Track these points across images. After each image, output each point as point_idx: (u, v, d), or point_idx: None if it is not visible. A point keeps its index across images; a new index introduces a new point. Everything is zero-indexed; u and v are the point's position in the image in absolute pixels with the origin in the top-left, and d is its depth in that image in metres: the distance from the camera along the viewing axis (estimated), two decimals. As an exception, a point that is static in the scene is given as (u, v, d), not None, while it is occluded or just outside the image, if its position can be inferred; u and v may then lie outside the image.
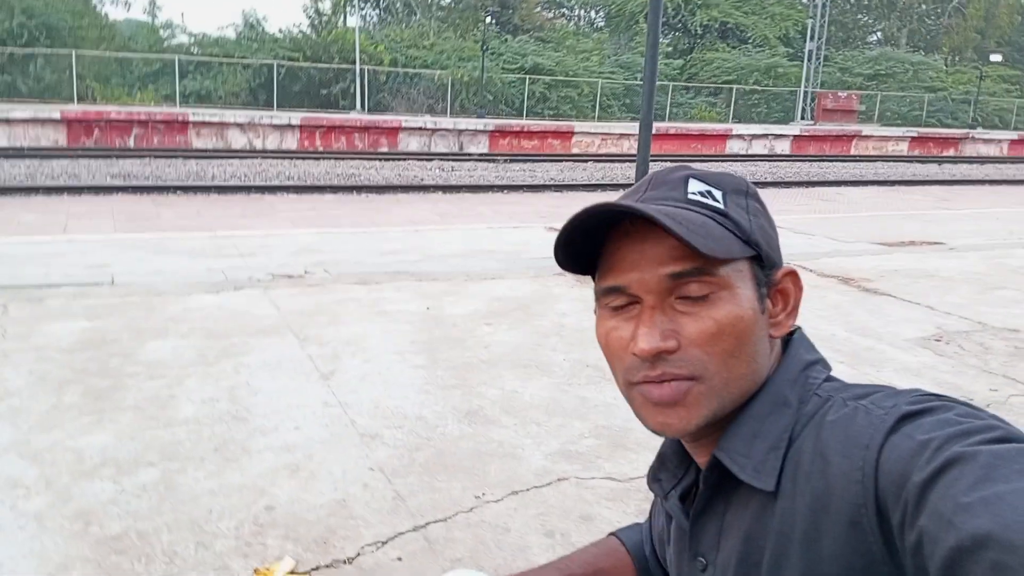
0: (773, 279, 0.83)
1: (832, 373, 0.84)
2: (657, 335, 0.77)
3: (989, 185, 17.99)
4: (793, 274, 0.86)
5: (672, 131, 23.80)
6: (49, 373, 3.68)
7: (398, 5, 39.35)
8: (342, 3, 31.82)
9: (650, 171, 0.85)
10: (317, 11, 30.47)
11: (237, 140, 18.43)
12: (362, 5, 32.66)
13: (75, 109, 17.81)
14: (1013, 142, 30.04)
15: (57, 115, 16.71)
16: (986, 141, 29.57)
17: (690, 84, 33.14)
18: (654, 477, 0.98)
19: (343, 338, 4.40)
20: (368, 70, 24.25)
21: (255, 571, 2.36)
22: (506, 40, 30.00)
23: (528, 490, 2.94)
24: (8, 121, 16.17)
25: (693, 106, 31.96)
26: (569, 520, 2.75)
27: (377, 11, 40.43)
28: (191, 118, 18.11)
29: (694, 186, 0.81)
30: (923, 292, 5.97)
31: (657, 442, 3.04)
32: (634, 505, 2.86)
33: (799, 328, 0.87)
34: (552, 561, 1.18)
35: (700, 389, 0.77)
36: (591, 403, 3.70)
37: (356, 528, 2.64)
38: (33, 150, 14.80)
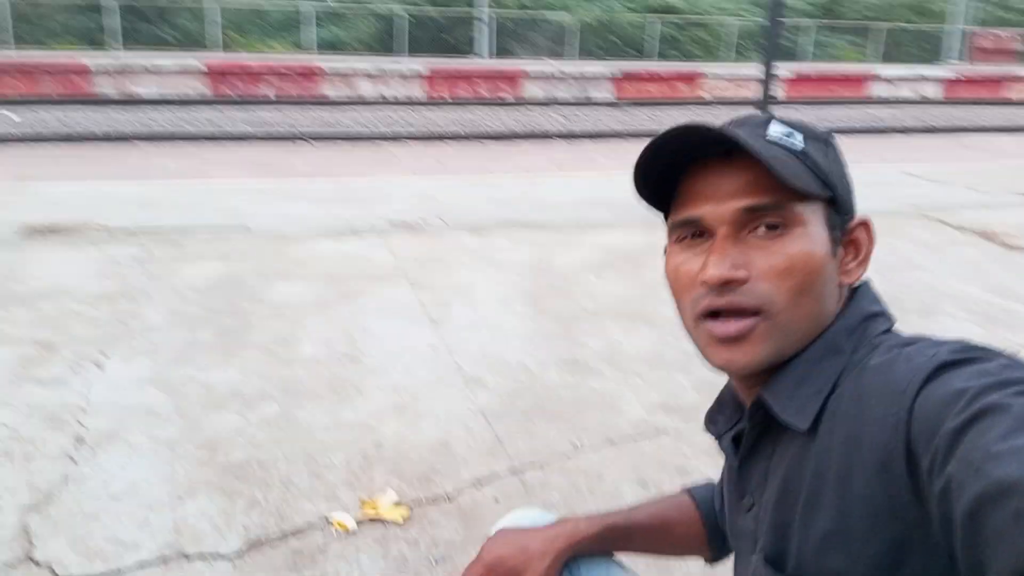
0: (847, 226, 0.84)
1: (897, 326, 0.83)
2: (728, 263, 0.78)
3: None
4: (866, 224, 0.86)
5: (811, 73, 22.54)
6: (185, 312, 4.00)
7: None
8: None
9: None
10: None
11: (366, 89, 18.89)
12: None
13: (217, 59, 18.76)
14: None
15: (201, 65, 17.65)
16: None
17: (833, 22, 31.14)
18: (711, 419, 1.01)
19: (453, 285, 4.53)
20: (491, 14, 24.19)
21: (361, 501, 2.53)
22: (634, -21, 29.16)
23: (625, 440, 2.98)
24: (158, 73, 17.25)
25: (835, 46, 30.07)
26: (664, 472, 2.78)
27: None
28: (324, 67, 18.71)
29: (775, 128, 0.81)
30: (1075, 250, 5.50)
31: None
32: (731, 461, 2.85)
33: (868, 281, 0.87)
34: (622, 508, 1.22)
35: (765, 325, 0.79)
36: (695, 357, 3.67)
37: (456, 467, 2.77)
38: (179, 100, 15.74)
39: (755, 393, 0.85)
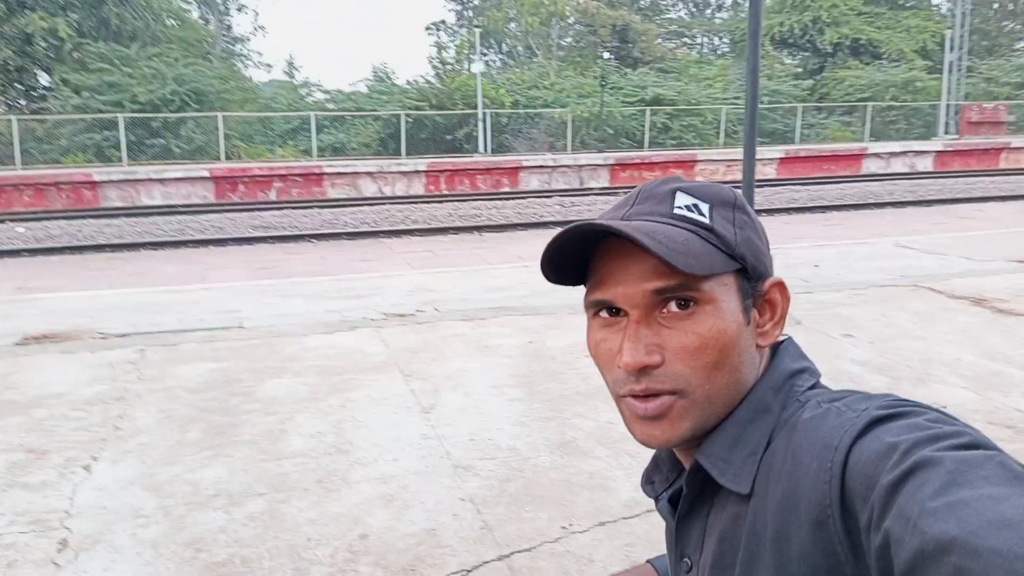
0: (760, 290, 0.84)
1: (821, 380, 0.84)
2: (642, 349, 0.78)
3: None
4: (780, 284, 0.86)
5: (802, 153, 23.00)
6: (176, 412, 4.00)
7: (519, 48, 40.38)
8: (466, 52, 33.01)
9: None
10: (442, 61, 31.76)
11: (368, 188, 19.36)
12: (485, 52, 33.75)
13: (222, 166, 19.31)
14: None
15: (205, 173, 18.16)
16: None
17: (822, 104, 31.93)
18: (648, 479, 1.00)
19: (445, 373, 4.53)
20: (490, 113, 24.95)
21: (343, 596, 2.47)
22: (625, 74, 30.06)
23: (616, 521, 2.93)
24: (162, 180, 17.75)
25: (826, 126, 30.74)
26: (655, 551, 2.71)
27: (501, 56, 41.64)
28: (325, 169, 19.22)
29: (681, 199, 0.82)
30: (1068, 311, 5.48)
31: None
32: (724, 538, 2.79)
33: (789, 337, 0.88)
34: None
35: (683, 403, 0.79)
36: (688, 434, 3.64)
37: (443, 557, 2.71)
38: (184, 207, 16.12)
39: (691, 454, 0.85)
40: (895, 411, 0.67)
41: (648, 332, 0.79)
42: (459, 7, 41.81)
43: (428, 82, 28.90)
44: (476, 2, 40.93)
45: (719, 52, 42.93)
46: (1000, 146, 25.14)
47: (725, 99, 29.09)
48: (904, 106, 31.41)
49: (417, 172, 19.95)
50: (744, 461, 0.77)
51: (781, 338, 0.87)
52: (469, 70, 31.02)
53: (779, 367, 0.83)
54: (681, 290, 0.78)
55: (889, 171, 22.94)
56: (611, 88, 27.12)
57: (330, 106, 26.63)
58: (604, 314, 0.84)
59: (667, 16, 45.29)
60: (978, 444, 0.61)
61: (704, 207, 0.82)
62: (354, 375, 4.52)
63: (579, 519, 2.94)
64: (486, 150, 24.40)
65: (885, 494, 0.59)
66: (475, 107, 24.63)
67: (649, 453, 0.95)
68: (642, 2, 43.27)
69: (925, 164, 24.04)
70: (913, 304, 5.75)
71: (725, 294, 0.80)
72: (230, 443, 3.62)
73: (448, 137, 25.36)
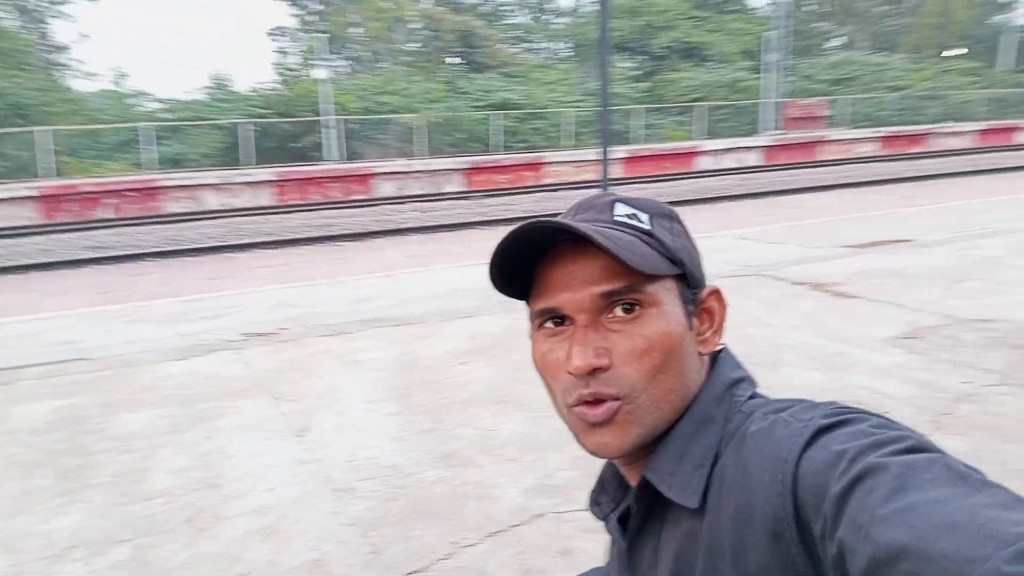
0: (699, 297, 0.86)
1: (758, 390, 0.86)
2: (591, 352, 0.78)
3: (958, 177, 18.17)
4: (717, 292, 0.89)
5: (643, 153, 24.01)
6: (18, 457, 3.64)
7: (365, 53, 39.81)
8: (311, 57, 32.12)
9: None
10: (285, 67, 30.77)
11: (211, 201, 18.46)
12: (328, 58, 33.00)
13: (49, 184, 17.80)
14: (980, 132, 30.44)
15: (31, 192, 16.71)
16: (954, 134, 29.93)
17: (658, 105, 33.51)
18: (595, 501, 1.00)
19: (317, 392, 4.38)
20: (339, 120, 24.44)
21: (228, 641, 2.33)
22: (472, 78, 30.33)
23: (505, 530, 2.92)
24: (-19, 203, 16.18)
25: (663, 126, 32.28)
26: (547, 556, 2.73)
27: (348, 62, 40.87)
28: (164, 183, 18.16)
29: (620, 209, 0.84)
30: (893, 291, 6.02)
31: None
32: (612, 535, 2.84)
33: (725, 347, 0.89)
34: None
35: (629, 408, 0.79)
36: (567, 434, 3.68)
37: (332, 586, 2.61)
38: (9, 229, 14.76)
39: (637, 471, 0.85)
40: (839, 419, 0.69)
41: (596, 336, 0.80)
42: (301, 12, 40.71)
43: (272, 89, 27.94)
44: (319, 7, 39.97)
45: (560, 57, 44.13)
46: (817, 140, 27.30)
47: (569, 102, 29.95)
48: (732, 105, 33.48)
49: (264, 182, 19.23)
50: (691, 475, 0.78)
51: (718, 347, 0.89)
52: (312, 77, 30.27)
53: (719, 376, 0.85)
54: (628, 293, 0.79)
55: (721, 167, 24.38)
56: (459, 93, 27.27)
57: (166, 116, 25.18)
58: (549, 324, 0.84)
59: (508, 22, 46.08)
60: (922, 447, 0.63)
61: (643, 216, 0.84)
62: (218, 402, 4.28)
63: (469, 532, 2.91)
64: (337, 157, 23.89)
65: (836, 503, 0.61)
66: (321, 114, 24.06)
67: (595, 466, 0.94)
68: (484, 7, 43.79)
69: (753, 159, 25.72)
70: (759, 292, 6.12)
71: (669, 298, 0.81)
72: (86, 487, 3.33)
73: (296, 145, 24.64)
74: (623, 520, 0.92)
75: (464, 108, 26.93)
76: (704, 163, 24.74)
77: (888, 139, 28.50)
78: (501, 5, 46.49)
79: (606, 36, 5.89)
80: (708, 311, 0.87)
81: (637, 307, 0.80)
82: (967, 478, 0.58)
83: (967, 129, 30.74)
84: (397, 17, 36.63)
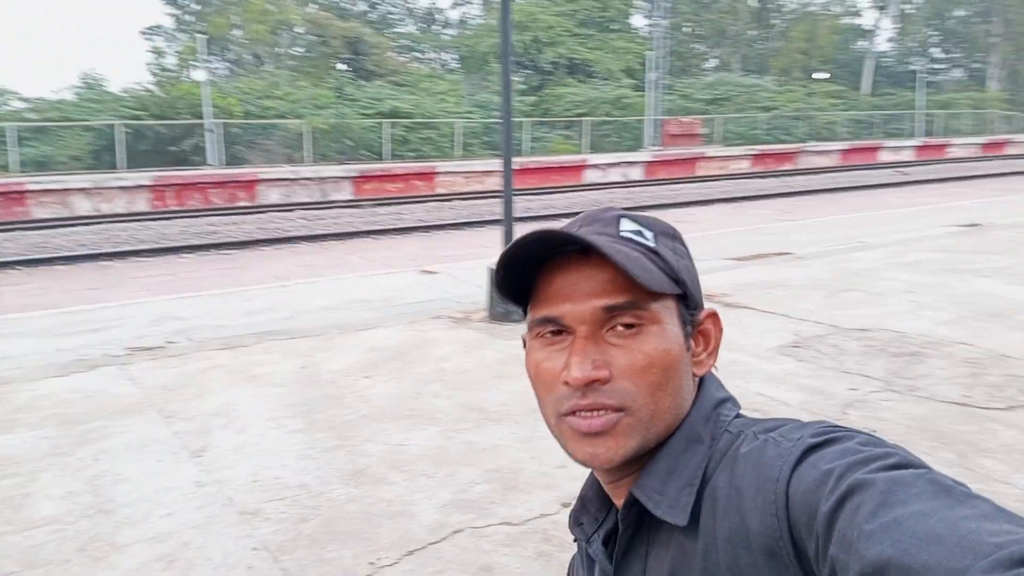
0: (696, 319, 0.85)
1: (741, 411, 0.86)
2: (589, 364, 0.78)
3: (827, 193, 19.39)
4: (714, 316, 0.88)
5: (532, 165, 24.31)
6: None
7: (247, 56, 38.55)
8: (189, 58, 30.83)
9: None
10: (161, 68, 29.34)
11: (81, 206, 17.36)
12: (208, 59, 31.77)
13: None
14: (844, 151, 32.60)
15: None
16: (819, 152, 31.91)
17: (544, 119, 34.06)
18: (576, 521, 0.98)
19: (212, 410, 4.18)
20: (220, 124, 23.53)
21: None
22: (361, 86, 29.90)
23: (424, 548, 2.87)
24: None
25: (549, 140, 32.83)
26: (468, 574, 2.70)
27: (226, 64, 39.44)
28: (29, 186, 16.95)
29: (626, 225, 0.83)
30: (777, 301, 6.33)
31: (549, 481, 3.02)
32: (532, 547, 2.84)
33: (709, 370, 0.90)
34: None
35: (628, 421, 0.79)
36: (479, 447, 3.67)
37: (243, 615, 2.49)
38: None
39: (623, 489, 0.84)
40: (827, 437, 0.70)
41: (595, 349, 0.79)
42: (178, 11, 39.01)
43: (147, 90, 26.60)
44: (196, 7, 38.45)
45: (448, 67, 44.24)
46: (696, 156, 28.48)
47: (459, 113, 30.02)
48: (615, 120, 34.48)
49: (140, 187, 18.26)
50: (679, 492, 0.78)
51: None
52: (191, 78, 29.06)
53: (707, 396, 0.85)
54: (630, 308, 0.79)
55: (607, 180, 25.03)
56: (348, 100, 26.83)
57: (31, 116, 23.52)
58: (548, 333, 0.83)
59: (397, 30, 45.81)
60: (908, 464, 0.64)
61: (648, 234, 0.83)
62: (103, 422, 4.01)
63: (385, 551, 2.84)
64: (218, 162, 22.98)
65: (826, 522, 0.62)
66: (201, 117, 23.12)
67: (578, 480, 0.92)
68: (372, 15, 43.34)
69: (636, 173, 26.54)
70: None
71: (669, 317, 0.81)
72: (-43, 519, 3.04)
73: (173, 148, 23.52)
74: (605, 541, 0.91)
75: (353, 115, 26.49)
76: (591, 176, 25.32)
77: (760, 156, 30.05)
78: (389, 13, 46.18)
79: (508, 48, 5.92)
80: (704, 333, 0.87)
81: (638, 324, 0.79)
82: (951, 491, 0.60)
83: (832, 148, 32.84)
84: (280, 20, 35.69)
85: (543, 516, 3.06)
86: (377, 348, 5.22)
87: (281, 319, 6.02)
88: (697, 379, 0.87)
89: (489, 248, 10.97)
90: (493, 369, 4.75)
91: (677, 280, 0.82)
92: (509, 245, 0.82)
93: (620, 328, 0.79)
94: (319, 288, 7.38)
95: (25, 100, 26.14)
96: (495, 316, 5.79)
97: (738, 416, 0.85)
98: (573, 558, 1.13)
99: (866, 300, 6.35)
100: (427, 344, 5.28)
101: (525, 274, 0.85)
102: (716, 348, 0.88)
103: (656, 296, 0.80)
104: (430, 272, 8.06)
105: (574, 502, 0.99)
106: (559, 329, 0.82)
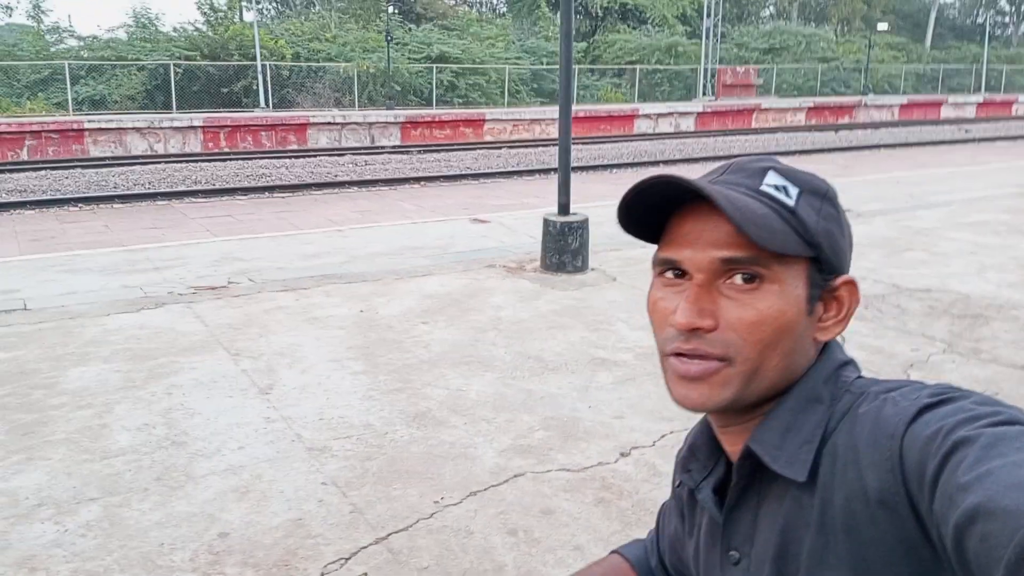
0: (830, 284, 0.84)
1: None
2: (696, 312, 0.79)
3: (885, 149, 18.85)
4: (851, 284, 0.86)
5: (581, 114, 23.98)
6: (-34, 412, 3.47)
7: (296, -2, 38.39)
8: (237, -2, 30.81)
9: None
10: (212, 7, 29.33)
11: (137, 146, 17.68)
12: (258, 0, 31.70)
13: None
14: (903, 106, 31.56)
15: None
16: (878, 107, 30.97)
17: (595, 66, 33.45)
18: (684, 467, 0.99)
19: (276, 349, 4.29)
20: (270, 66, 23.58)
21: (217, 602, 2.29)
22: (410, 29, 29.59)
23: (486, 489, 2.94)
24: None
25: (599, 88, 32.27)
26: (530, 516, 2.77)
27: (275, 4, 39.32)
28: (87, 125, 17.27)
29: (771, 178, 0.82)
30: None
31: (607, 431, 3.06)
32: (591, 494, 2.90)
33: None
34: None
35: (728, 372, 0.80)
36: (536, 395, 3.73)
37: (316, 547, 2.59)
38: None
39: (734, 439, 0.85)
40: (943, 397, 0.71)
41: (707, 298, 0.80)
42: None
43: (198, 30, 26.68)
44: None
45: (497, 11, 43.49)
46: (752, 107, 27.79)
47: (507, 59, 29.59)
48: (668, 69, 33.71)
49: (193, 128, 18.50)
50: (799, 449, 0.79)
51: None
52: (241, 18, 29.03)
53: (829, 358, 0.85)
54: (750, 264, 0.79)
55: (657, 131, 24.61)
56: (397, 44, 26.61)
57: (85, 54, 23.80)
58: (669, 274, 0.84)
59: (447, -29, 45.05)
60: (1015, 420, 0.65)
61: (793, 191, 0.82)
62: (173, 357, 4.15)
63: (449, 491, 2.92)
64: (268, 105, 23.10)
65: (932, 478, 0.64)
66: (252, 59, 23.17)
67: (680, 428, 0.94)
68: (421, -44, 42.61)
69: (688, 124, 26.04)
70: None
71: (793, 279, 0.80)
72: (43, 443, 3.20)
73: (224, 90, 23.68)
74: (716, 490, 0.93)
75: (402, 60, 26.31)
76: (642, 126, 24.93)
77: (816, 109, 29.25)
78: (439, -46, 45.34)
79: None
80: (837, 300, 0.85)
81: (757, 280, 0.79)
82: None
83: (892, 103, 31.79)
84: (331, -39, 35.38)
85: (601, 464, 3.11)
86: (433, 295, 5.28)
87: (338, 263, 6.12)
88: (820, 344, 0.87)
89: (540, 198, 10.92)
90: (548, 319, 4.79)
91: (811, 243, 0.81)
92: (629, 189, 0.82)
93: (738, 281, 0.79)
94: (373, 234, 7.45)
95: (80, 38, 26.43)
96: (549, 267, 5.80)
97: (859, 378, 0.85)
98: (665, 504, 1.16)
99: (928, 260, 6.22)
100: (482, 292, 5.32)
101: (661, 212, 0.85)
102: (847, 317, 0.86)
103: (781, 256, 0.79)
104: (481, 221, 8.07)
105: (682, 448, 1.01)
106: (680, 272, 0.84)
